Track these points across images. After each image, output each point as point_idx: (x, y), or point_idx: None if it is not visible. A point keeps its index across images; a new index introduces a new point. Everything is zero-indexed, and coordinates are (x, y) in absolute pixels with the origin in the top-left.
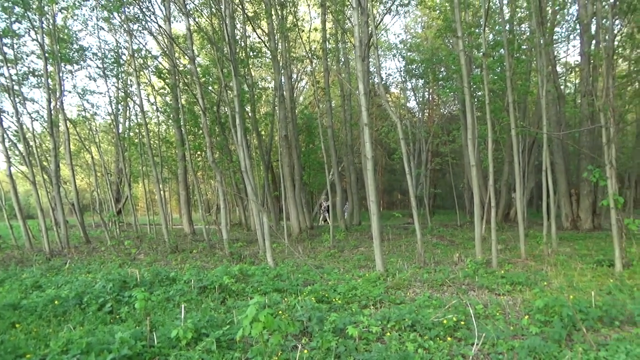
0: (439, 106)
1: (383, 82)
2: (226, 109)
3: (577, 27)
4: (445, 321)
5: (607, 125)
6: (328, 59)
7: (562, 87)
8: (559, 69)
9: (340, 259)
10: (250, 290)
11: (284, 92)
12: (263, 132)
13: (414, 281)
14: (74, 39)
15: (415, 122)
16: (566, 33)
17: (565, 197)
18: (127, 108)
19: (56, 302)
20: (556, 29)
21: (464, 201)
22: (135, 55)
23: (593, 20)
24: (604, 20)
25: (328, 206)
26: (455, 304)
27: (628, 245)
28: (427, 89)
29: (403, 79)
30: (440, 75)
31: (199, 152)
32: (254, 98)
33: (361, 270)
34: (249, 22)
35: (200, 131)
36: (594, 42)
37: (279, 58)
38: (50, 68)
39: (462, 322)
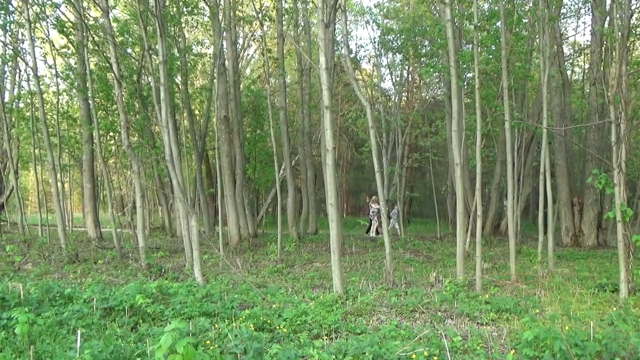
0: (420, 89)
1: (352, 55)
2: (149, 78)
3: None
4: (414, 356)
5: (618, 120)
6: (283, 22)
7: (568, 72)
8: (565, 49)
9: (288, 277)
10: (171, 313)
11: (226, 62)
12: (197, 112)
13: (379, 306)
14: None
15: (390, 107)
16: (576, 6)
17: (566, 207)
18: (17, 71)
19: None
20: (565, 0)
21: (447, 208)
22: (30, 0)
23: None
24: None
25: (378, 210)
26: (427, 335)
27: (636, 266)
28: (406, 67)
29: (377, 53)
30: (423, 51)
31: (111, 134)
32: (187, 67)
33: (315, 290)
34: None
35: (114, 106)
36: (607, 19)
37: (220, 17)
38: None
39: (435, 358)
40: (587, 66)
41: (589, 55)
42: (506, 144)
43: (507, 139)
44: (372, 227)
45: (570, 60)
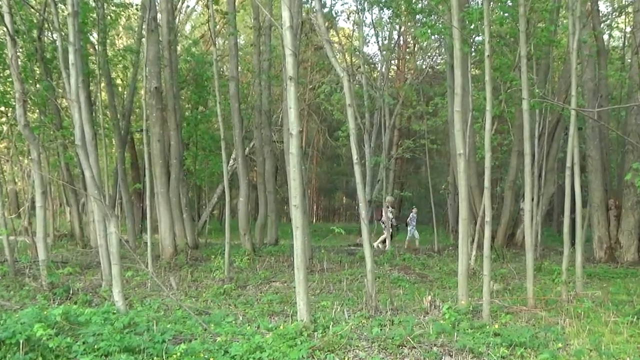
0: (414, 56)
1: (325, 10)
2: (54, 36)
3: None
4: None
5: None
6: None
7: (604, 36)
8: (601, 6)
9: (239, 301)
10: (82, 348)
11: (158, 15)
12: (119, 81)
13: (356, 339)
14: None
15: (376, 79)
16: None
17: (599, 212)
18: None
19: None
20: None
21: (447, 212)
22: None
23: None
24: None
25: (393, 214)
26: None
27: None
28: (396, 27)
29: (359, 7)
30: (419, 5)
31: (1, 109)
32: (105, 21)
33: (273, 319)
34: None
35: (7, 71)
36: None
37: None
38: None
39: None
40: (629, 29)
41: (631, 16)
42: (524, 129)
43: (525, 122)
44: (387, 236)
45: (608, 22)
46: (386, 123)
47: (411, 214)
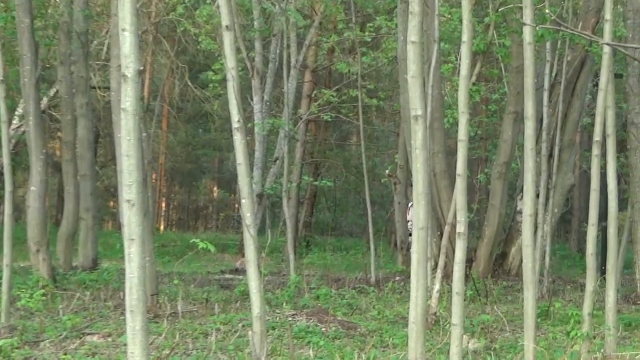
0: None
1: None
2: None
3: None
4: None
5: None
6: None
7: None
8: None
9: None
10: None
11: None
12: None
13: None
14: None
15: None
16: None
17: None
18: None
19: None
20: None
21: (392, 216)
22: None
23: None
24: None
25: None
26: None
27: None
28: None
29: None
30: None
31: None
32: None
33: None
34: None
35: None
36: None
37: None
38: None
39: None
40: None
41: None
42: (525, 76)
43: (527, 65)
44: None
45: None
46: (291, 59)
47: (409, 208)
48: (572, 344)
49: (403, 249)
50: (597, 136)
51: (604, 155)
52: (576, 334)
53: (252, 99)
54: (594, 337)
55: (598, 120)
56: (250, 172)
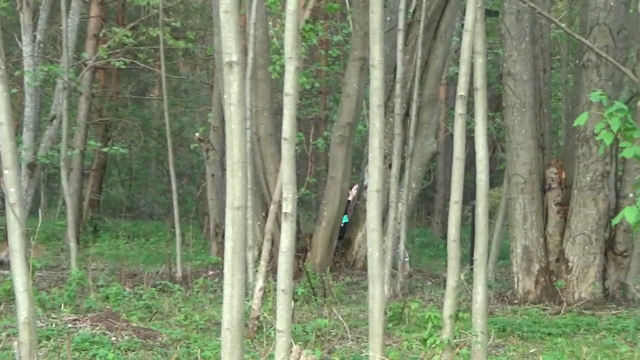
0: None
1: None
2: None
3: None
4: None
5: None
6: None
7: None
8: None
9: None
10: None
11: None
12: None
13: None
14: None
15: None
16: None
17: (527, 196)
18: None
19: None
20: None
21: (205, 193)
22: None
23: None
24: None
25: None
26: None
27: None
28: None
29: None
30: None
31: None
32: None
33: None
34: None
35: None
36: None
37: None
38: None
39: None
40: None
41: None
42: (371, 12)
43: None
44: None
45: None
46: None
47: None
48: (431, 354)
49: (218, 235)
50: (462, 90)
51: (472, 114)
52: (434, 342)
53: (20, 39)
54: (457, 346)
55: (463, 70)
56: (14, 135)
